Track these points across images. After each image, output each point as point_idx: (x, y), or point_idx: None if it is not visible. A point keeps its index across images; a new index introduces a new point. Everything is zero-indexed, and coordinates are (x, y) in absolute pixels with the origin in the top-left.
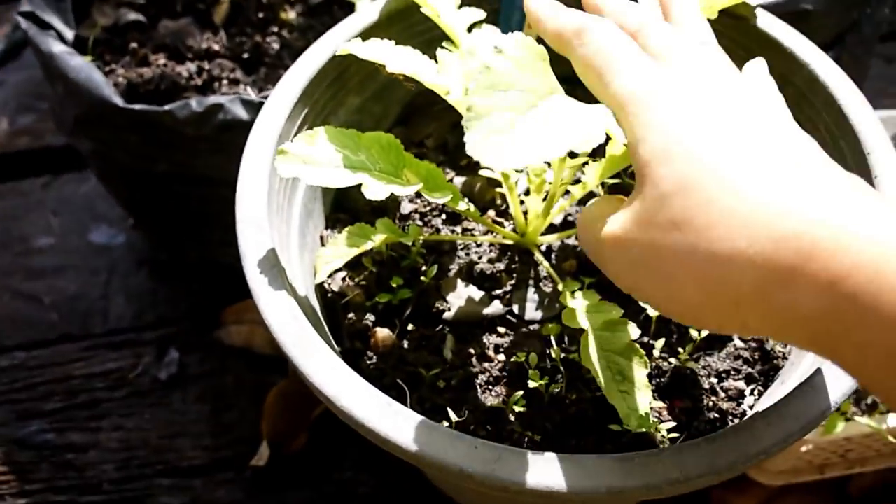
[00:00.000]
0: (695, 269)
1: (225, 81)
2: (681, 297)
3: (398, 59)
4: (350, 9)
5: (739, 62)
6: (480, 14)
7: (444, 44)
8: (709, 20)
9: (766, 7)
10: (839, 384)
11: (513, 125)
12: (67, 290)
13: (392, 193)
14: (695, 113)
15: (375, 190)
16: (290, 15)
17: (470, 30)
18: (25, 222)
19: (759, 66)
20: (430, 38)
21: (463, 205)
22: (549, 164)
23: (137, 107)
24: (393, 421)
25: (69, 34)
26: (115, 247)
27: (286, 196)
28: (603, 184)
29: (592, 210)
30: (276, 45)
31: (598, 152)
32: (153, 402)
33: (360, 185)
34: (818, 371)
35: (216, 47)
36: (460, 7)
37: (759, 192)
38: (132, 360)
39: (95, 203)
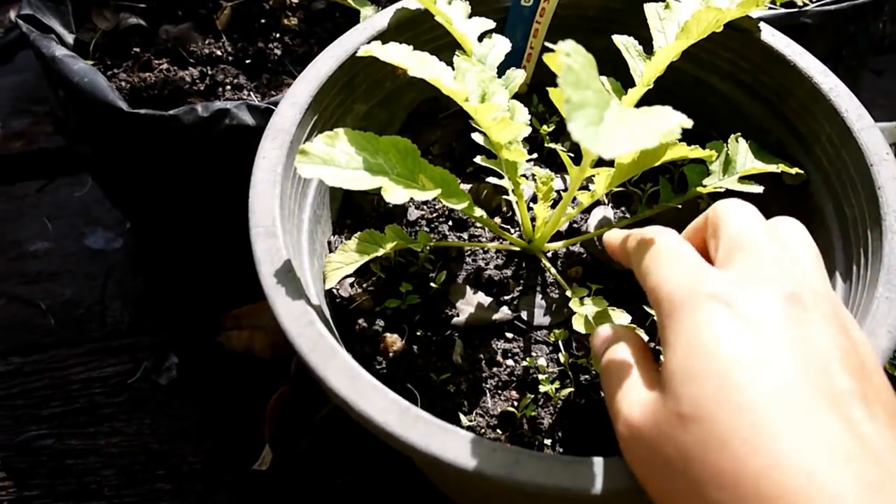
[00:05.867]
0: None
1: (228, 87)
2: None
3: (419, 63)
4: (351, 14)
5: (745, 75)
6: (490, 24)
7: (457, 52)
8: (714, 34)
9: (766, 20)
10: None
11: (601, 119)
12: (64, 295)
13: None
14: (730, 333)
15: (396, 194)
16: (292, 21)
17: (480, 39)
18: (19, 227)
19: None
20: (436, 46)
21: (479, 211)
22: (555, 173)
23: (143, 111)
24: (411, 424)
25: (69, 38)
26: (111, 251)
27: (297, 202)
28: (608, 193)
29: (616, 355)
30: (278, 51)
31: (604, 162)
32: (153, 407)
33: (369, 190)
34: None
35: (218, 52)
36: (470, 17)
37: (773, 447)
38: (131, 364)
39: (91, 208)
